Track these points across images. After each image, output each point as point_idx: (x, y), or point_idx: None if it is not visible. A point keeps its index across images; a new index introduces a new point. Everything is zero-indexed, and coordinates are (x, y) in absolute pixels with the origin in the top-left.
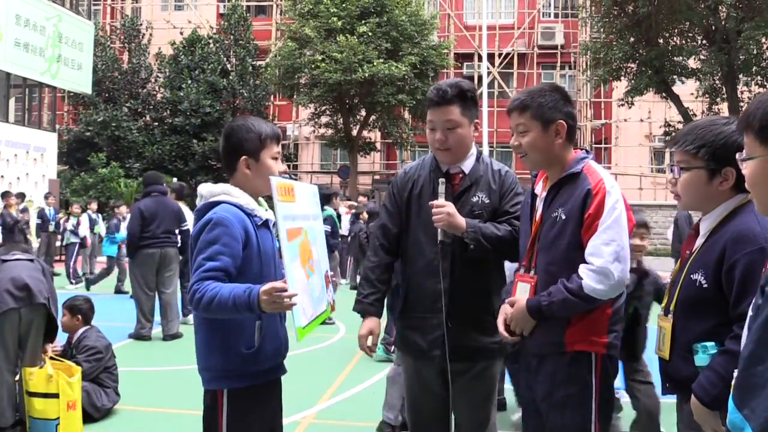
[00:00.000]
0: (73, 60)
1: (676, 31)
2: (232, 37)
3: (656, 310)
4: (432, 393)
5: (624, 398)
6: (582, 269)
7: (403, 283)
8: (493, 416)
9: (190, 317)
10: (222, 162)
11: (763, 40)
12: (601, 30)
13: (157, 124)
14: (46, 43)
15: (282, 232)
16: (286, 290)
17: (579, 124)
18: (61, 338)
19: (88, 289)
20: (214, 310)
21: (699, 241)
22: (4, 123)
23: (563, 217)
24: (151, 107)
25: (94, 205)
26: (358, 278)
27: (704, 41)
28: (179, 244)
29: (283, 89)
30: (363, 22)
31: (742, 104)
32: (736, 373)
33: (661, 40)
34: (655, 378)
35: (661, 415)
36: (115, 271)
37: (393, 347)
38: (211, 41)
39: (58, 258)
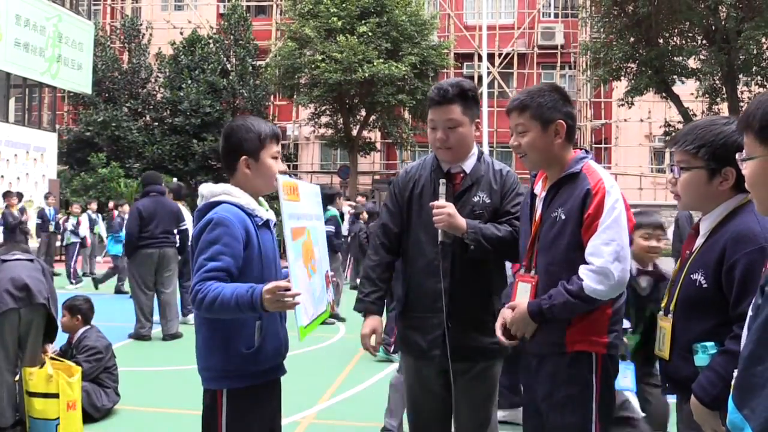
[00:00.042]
0: (73, 60)
1: (676, 31)
2: (232, 37)
3: None
4: (432, 393)
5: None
6: (582, 270)
7: (403, 283)
8: (494, 416)
9: (190, 317)
10: (222, 162)
11: (763, 40)
12: (601, 30)
13: (157, 124)
14: (46, 43)
15: (287, 231)
16: (289, 289)
17: (579, 124)
18: (61, 338)
19: (96, 288)
20: (216, 310)
21: (699, 241)
22: (4, 123)
23: (563, 217)
24: (151, 107)
25: (94, 205)
26: (359, 280)
27: (704, 41)
28: (178, 244)
29: (283, 89)
30: (363, 22)
31: (742, 104)
32: (736, 373)
33: (661, 40)
34: None
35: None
36: None
37: (393, 347)
38: (211, 41)
39: (58, 258)
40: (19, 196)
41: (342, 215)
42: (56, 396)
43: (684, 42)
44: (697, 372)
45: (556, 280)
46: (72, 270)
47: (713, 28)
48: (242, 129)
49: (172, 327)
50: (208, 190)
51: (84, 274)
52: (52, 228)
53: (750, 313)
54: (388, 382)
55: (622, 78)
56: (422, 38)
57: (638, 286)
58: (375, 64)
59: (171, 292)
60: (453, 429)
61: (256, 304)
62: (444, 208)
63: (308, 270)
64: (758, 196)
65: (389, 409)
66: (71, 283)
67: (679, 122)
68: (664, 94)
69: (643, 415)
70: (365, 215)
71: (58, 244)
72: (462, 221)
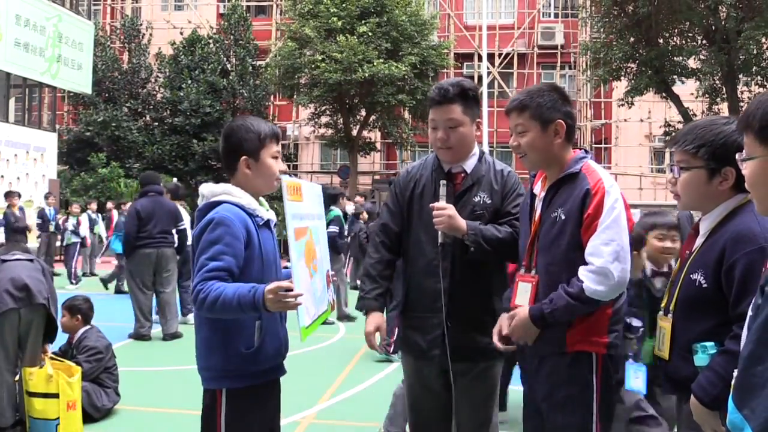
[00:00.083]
0: (73, 60)
1: (676, 31)
2: (232, 37)
3: None
4: (432, 393)
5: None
6: (581, 272)
7: (404, 283)
8: (494, 416)
9: (190, 317)
10: (222, 162)
11: (763, 40)
12: (601, 30)
13: (157, 124)
14: (46, 43)
15: (290, 232)
16: (291, 290)
17: (579, 124)
18: (61, 338)
19: (106, 287)
20: (218, 310)
21: (699, 241)
22: (4, 123)
23: (562, 217)
24: (151, 107)
25: (93, 205)
26: (359, 281)
27: (704, 41)
28: (176, 244)
29: (283, 89)
30: (363, 22)
31: (742, 104)
32: (735, 373)
33: (661, 40)
34: None
35: None
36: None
37: (392, 348)
38: (211, 41)
39: (58, 258)
40: (18, 195)
41: (345, 215)
42: (56, 396)
43: (684, 42)
44: (696, 372)
45: (556, 280)
46: (72, 270)
47: (713, 28)
48: (242, 129)
49: (172, 326)
50: (208, 189)
51: (84, 274)
52: (52, 228)
53: (750, 313)
54: (387, 382)
55: (622, 78)
56: (422, 38)
57: (653, 287)
58: (375, 64)
59: (170, 292)
60: (453, 429)
61: (258, 304)
62: (444, 210)
63: (310, 270)
64: (758, 196)
65: (389, 416)
66: (72, 283)
67: (679, 122)
68: (664, 94)
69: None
70: (365, 215)
71: (58, 244)
72: (462, 223)
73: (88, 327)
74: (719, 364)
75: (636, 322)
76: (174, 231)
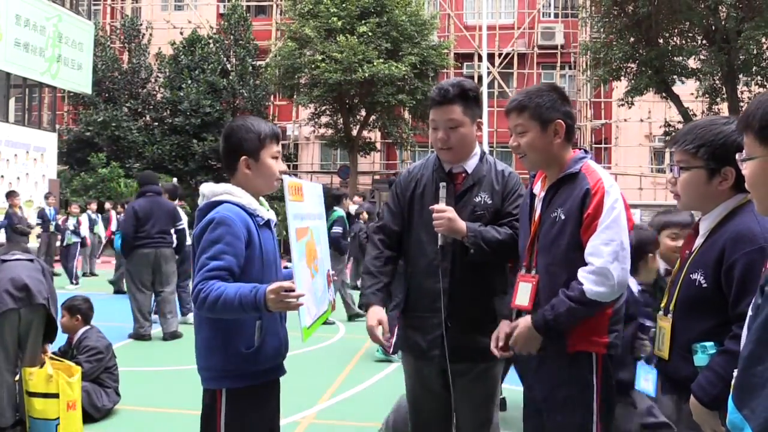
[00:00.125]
0: (73, 60)
1: (676, 31)
2: (232, 37)
3: None
4: (432, 393)
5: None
6: (580, 274)
7: (405, 283)
8: (495, 417)
9: (190, 316)
10: (222, 162)
11: (763, 40)
12: (601, 30)
13: (157, 124)
14: (46, 43)
15: (292, 232)
16: (293, 290)
17: (579, 124)
18: (61, 339)
19: (115, 290)
20: (219, 310)
21: (698, 241)
22: (4, 123)
23: (562, 217)
24: (151, 107)
25: (93, 206)
26: (359, 282)
27: (704, 41)
28: (174, 244)
29: (283, 89)
30: (363, 22)
31: (742, 104)
32: (735, 373)
33: (661, 40)
34: None
35: None
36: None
37: (392, 348)
38: (211, 41)
39: (57, 258)
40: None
41: (349, 216)
42: (56, 396)
43: (684, 42)
44: (696, 372)
45: (556, 280)
46: (73, 270)
47: (713, 28)
48: (242, 129)
49: (172, 325)
50: (209, 189)
51: (84, 274)
52: (52, 228)
53: (750, 312)
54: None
55: (622, 78)
56: (422, 38)
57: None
58: (375, 64)
59: (170, 291)
60: (454, 429)
61: (260, 304)
62: (444, 213)
63: (311, 270)
64: (758, 196)
65: (387, 422)
66: (72, 283)
67: (679, 122)
68: (664, 94)
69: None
70: (365, 215)
71: (58, 244)
72: (462, 225)
73: (88, 327)
74: (719, 364)
75: (649, 323)
76: (172, 231)
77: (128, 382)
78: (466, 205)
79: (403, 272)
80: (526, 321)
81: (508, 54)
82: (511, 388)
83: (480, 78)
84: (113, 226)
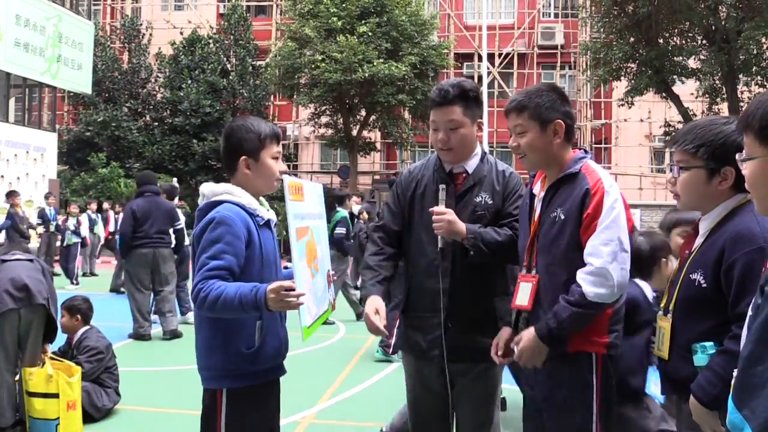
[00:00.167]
0: (73, 60)
1: (676, 31)
2: (232, 37)
3: None
4: (432, 392)
5: None
6: (579, 276)
7: (405, 283)
8: (495, 417)
9: (190, 315)
10: (222, 162)
11: (763, 40)
12: (601, 30)
13: (157, 124)
14: (46, 43)
15: (292, 232)
16: (293, 289)
17: (579, 124)
18: (61, 339)
19: (111, 288)
20: (219, 309)
21: (698, 241)
22: (4, 123)
23: (562, 217)
24: (151, 107)
25: (93, 206)
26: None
27: (704, 41)
28: (173, 244)
29: (283, 89)
30: (363, 22)
31: (742, 104)
32: (735, 373)
33: (661, 40)
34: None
35: None
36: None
37: (392, 348)
38: (211, 41)
39: (57, 258)
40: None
41: (353, 216)
42: (56, 396)
43: (684, 42)
44: (696, 372)
45: (556, 280)
46: (74, 270)
47: (713, 28)
48: (242, 129)
49: (172, 323)
50: (209, 189)
51: (84, 274)
52: (52, 228)
53: (749, 312)
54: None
55: (622, 78)
56: (422, 38)
57: None
58: (375, 64)
59: (169, 291)
60: (454, 429)
61: (260, 303)
62: (444, 215)
63: (311, 270)
64: (758, 196)
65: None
66: (72, 283)
67: (679, 122)
68: (664, 94)
69: None
70: (365, 215)
71: (58, 244)
72: (462, 227)
73: (87, 327)
74: (718, 364)
75: None
76: (171, 231)
77: (128, 382)
78: (466, 206)
79: (404, 272)
80: (530, 333)
81: (508, 54)
82: (511, 388)
83: (480, 78)
84: (111, 227)
